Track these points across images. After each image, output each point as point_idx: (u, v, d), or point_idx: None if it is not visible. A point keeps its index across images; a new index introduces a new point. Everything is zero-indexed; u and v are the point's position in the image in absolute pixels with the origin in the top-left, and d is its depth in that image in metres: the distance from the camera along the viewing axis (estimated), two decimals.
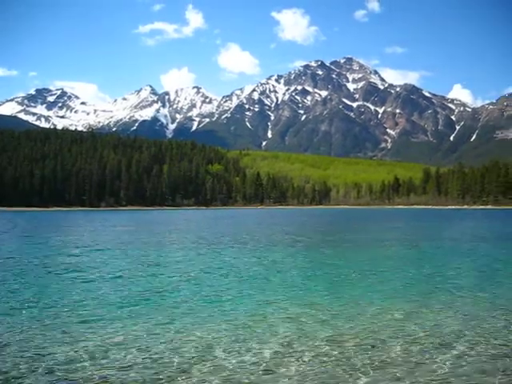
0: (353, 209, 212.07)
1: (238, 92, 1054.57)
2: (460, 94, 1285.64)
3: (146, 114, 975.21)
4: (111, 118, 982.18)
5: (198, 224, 75.23)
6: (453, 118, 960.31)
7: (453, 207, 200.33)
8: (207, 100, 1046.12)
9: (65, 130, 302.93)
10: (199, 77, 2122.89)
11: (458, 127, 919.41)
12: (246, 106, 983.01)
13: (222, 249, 31.69)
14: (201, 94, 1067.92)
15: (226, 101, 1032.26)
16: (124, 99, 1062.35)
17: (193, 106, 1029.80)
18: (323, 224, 75.96)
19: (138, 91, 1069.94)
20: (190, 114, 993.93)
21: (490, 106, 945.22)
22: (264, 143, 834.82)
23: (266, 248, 32.43)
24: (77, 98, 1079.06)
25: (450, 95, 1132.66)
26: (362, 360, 9.83)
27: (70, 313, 13.79)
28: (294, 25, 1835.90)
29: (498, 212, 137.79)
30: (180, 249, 31.86)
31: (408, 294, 16.53)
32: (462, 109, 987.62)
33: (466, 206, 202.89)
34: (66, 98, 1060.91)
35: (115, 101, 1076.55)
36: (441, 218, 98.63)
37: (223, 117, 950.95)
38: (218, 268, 22.75)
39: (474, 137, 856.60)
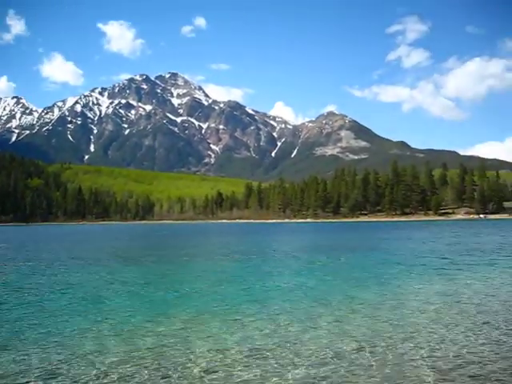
0: (177, 223, 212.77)
1: (60, 104, 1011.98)
2: (282, 111, 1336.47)
3: None
4: None
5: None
6: (274, 134, 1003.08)
7: (274, 221, 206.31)
8: (27, 111, 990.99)
9: None
10: (20, 86, 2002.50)
11: (279, 143, 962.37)
12: (68, 119, 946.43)
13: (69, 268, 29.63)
14: (21, 105, 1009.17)
15: (48, 112, 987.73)
16: None
17: (12, 116, 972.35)
18: (162, 239, 75.59)
19: None
20: (8, 126, 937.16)
21: (310, 124, 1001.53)
22: (86, 157, 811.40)
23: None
24: None
25: (272, 112, 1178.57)
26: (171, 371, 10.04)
27: None
28: (120, 37, 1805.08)
29: (317, 225, 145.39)
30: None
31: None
32: (283, 126, 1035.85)
33: (286, 220, 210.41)
34: None
35: None
36: (264, 231, 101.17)
37: (44, 129, 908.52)
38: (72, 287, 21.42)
39: (294, 153, 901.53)
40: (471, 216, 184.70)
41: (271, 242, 61.26)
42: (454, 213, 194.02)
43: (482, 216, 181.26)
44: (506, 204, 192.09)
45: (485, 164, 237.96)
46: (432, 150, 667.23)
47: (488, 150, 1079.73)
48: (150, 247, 55.15)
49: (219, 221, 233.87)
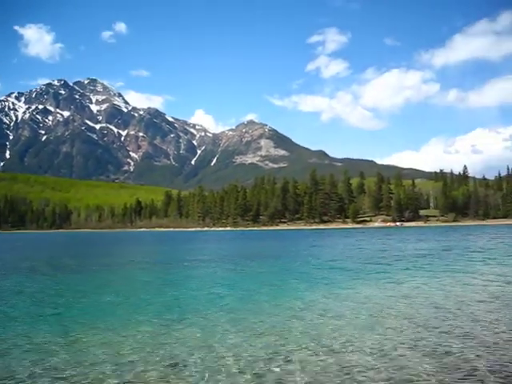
0: (95, 232, 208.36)
1: None
2: (202, 119, 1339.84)
3: None
4: None
5: None
6: (194, 142, 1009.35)
7: (193, 229, 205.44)
8: None
9: None
10: None
11: (199, 151, 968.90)
12: None
13: None
14: None
15: None
16: None
17: None
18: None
19: None
20: None
21: (230, 132, 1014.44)
22: (1, 164, 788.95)
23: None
24: None
25: (193, 120, 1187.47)
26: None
27: None
28: (38, 41, 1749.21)
29: (237, 233, 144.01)
30: None
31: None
32: (203, 134, 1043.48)
33: (206, 228, 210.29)
34: None
35: None
36: (184, 240, 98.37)
37: None
38: None
39: (214, 161, 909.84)
40: (388, 224, 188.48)
41: (189, 250, 59.04)
42: (371, 220, 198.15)
43: (398, 224, 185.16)
44: (422, 212, 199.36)
45: (401, 173, 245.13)
46: (350, 158, 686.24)
47: (404, 159, 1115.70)
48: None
49: (138, 229, 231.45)
